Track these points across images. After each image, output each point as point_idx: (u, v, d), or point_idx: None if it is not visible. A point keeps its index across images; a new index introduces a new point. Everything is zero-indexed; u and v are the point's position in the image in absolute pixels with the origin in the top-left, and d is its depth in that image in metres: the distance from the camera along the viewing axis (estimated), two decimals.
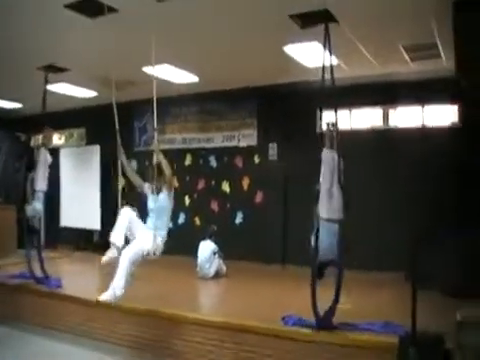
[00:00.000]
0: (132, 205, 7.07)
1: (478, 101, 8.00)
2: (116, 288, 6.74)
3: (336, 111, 6.27)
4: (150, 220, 7.00)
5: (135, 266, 6.93)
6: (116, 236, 6.79)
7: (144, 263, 7.00)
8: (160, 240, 6.85)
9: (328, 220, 6.08)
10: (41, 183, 9.00)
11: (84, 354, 7.07)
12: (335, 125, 6.35)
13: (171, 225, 12.36)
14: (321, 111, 6.37)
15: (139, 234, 6.88)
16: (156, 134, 7.08)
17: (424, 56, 8.34)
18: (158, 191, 7.02)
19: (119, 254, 6.75)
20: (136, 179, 7.34)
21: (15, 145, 14.46)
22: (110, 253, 6.80)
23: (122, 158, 7.38)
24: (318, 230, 6.03)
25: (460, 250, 7.39)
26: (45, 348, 7.30)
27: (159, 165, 6.92)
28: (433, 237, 7.50)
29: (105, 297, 6.81)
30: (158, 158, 6.90)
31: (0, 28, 7.52)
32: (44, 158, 9.10)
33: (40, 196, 8.98)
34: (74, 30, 7.48)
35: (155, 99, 6.83)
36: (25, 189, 9.04)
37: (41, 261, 8.86)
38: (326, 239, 6.06)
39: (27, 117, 13.25)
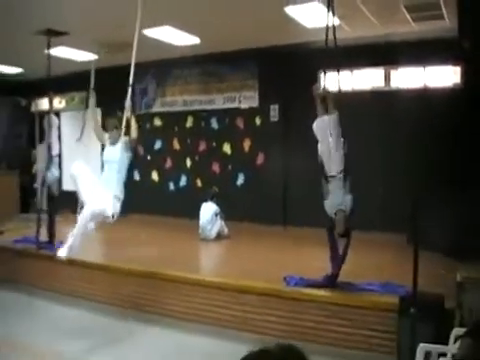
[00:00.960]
0: None
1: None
2: (72, 247, 6.69)
3: (338, 72, 6.30)
4: (103, 174, 6.93)
5: (94, 225, 6.99)
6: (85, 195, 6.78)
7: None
8: (117, 203, 6.65)
9: (332, 177, 6.18)
10: (55, 148, 9.12)
11: (86, 317, 7.17)
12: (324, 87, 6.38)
13: (172, 187, 12.61)
14: (335, 71, 6.33)
15: (97, 194, 6.70)
16: (129, 91, 6.95)
17: (426, 16, 8.21)
18: (115, 141, 6.87)
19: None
20: (99, 132, 7.18)
21: (15, 110, 14.38)
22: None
23: (93, 113, 7.39)
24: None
25: (461, 212, 7.42)
26: (47, 311, 7.41)
27: (128, 122, 6.75)
28: (434, 198, 7.54)
29: (60, 253, 6.73)
30: (129, 119, 6.77)
31: None
32: (54, 123, 9.20)
33: (56, 161, 9.11)
34: None
35: (134, 54, 6.80)
36: (30, 154, 9.14)
37: (52, 226, 9.01)
38: (336, 196, 6.17)
39: (27, 82, 13.17)
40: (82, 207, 6.90)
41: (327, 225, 6.28)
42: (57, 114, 13.39)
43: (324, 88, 6.45)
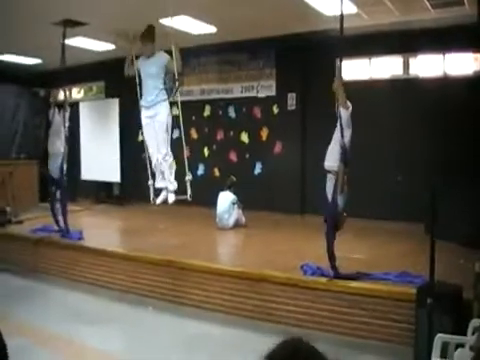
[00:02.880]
0: None
1: None
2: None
3: (341, 61, 6.21)
4: (145, 89, 7.39)
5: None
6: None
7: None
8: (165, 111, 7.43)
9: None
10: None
11: (105, 305, 7.23)
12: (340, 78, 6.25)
13: (190, 176, 12.61)
14: (341, 61, 6.25)
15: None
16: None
17: (446, 3, 8.10)
18: (150, 55, 7.38)
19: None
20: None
21: (35, 101, 14.45)
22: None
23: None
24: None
25: (478, 200, 7.35)
26: (66, 299, 7.48)
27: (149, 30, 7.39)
28: (453, 188, 7.46)
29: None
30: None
31: None
32: (60, 115, 9.31)
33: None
34: None
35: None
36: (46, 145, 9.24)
37: (61, 215, 9.06)
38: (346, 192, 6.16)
39: (46, 72, 13.22)
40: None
41: (333, 222, 6.17)
42: (76, 104, 13.56)
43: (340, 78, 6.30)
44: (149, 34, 7.39)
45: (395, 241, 8.34)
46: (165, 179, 7.49)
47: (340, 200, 6.13)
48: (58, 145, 9.08)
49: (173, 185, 7.47)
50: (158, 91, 7.29)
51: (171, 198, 7.52)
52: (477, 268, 4.99)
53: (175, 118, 12.74)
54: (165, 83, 7.41)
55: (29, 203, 11.85)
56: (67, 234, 8.80)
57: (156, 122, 7.46)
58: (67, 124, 9.16)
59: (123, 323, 6.53)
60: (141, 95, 7.55)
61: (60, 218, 9.01)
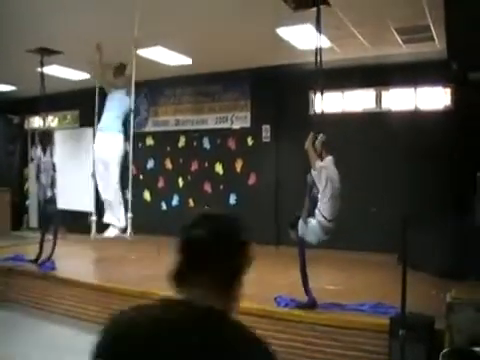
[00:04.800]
0: None
1: (468, 84, 8.04)
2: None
3: (322, 94, 6.32)
4: (104, 116, 7.58)
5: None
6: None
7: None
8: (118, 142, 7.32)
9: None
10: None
11: (78, 336, 7.13)
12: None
13: (165, 207, 12.59)
14: (322, 93, 6.36)
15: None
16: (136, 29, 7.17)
17: (417, 39, 8.32)
18: (119, 87, 7.66)
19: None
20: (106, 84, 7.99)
21: (8, 128, 14.37)
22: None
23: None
24: None
25: (450, 232, 7.46)
26: (40, 330, 7.36)
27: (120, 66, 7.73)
28: (424, 219, 7.56)
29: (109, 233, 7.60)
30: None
31: None
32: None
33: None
34: (64, 11, 7.42)
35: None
36: (22, 172, 9.23)
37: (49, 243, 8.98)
38: None
39: (20, 100, 13.18)
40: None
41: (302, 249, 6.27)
42: (50, 132, 13.49)
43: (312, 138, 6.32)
44: (121, 70, 7.66)
45: (371, 271, 8.40)
46: (113, 215, 7.48)
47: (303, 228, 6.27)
48: (44, 177, 9.10)
49: (122, 222, 7.46)
50: (115, 119, 7.48)
51: (112, 233, 7.55)
52: (448, 298, 5.05)
53: (149, 148, 12.89)
54: (125, 118, 7.55)
55: (1, 231, 11.71)
56: (40, 264, 8.68)
57: (109, 152, 7.48)
58: (51, 156, 9.21)
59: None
60: (99, 121, 7.79)
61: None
